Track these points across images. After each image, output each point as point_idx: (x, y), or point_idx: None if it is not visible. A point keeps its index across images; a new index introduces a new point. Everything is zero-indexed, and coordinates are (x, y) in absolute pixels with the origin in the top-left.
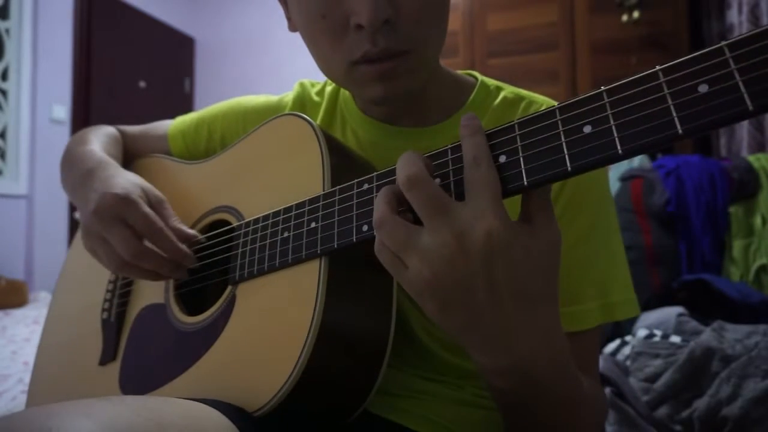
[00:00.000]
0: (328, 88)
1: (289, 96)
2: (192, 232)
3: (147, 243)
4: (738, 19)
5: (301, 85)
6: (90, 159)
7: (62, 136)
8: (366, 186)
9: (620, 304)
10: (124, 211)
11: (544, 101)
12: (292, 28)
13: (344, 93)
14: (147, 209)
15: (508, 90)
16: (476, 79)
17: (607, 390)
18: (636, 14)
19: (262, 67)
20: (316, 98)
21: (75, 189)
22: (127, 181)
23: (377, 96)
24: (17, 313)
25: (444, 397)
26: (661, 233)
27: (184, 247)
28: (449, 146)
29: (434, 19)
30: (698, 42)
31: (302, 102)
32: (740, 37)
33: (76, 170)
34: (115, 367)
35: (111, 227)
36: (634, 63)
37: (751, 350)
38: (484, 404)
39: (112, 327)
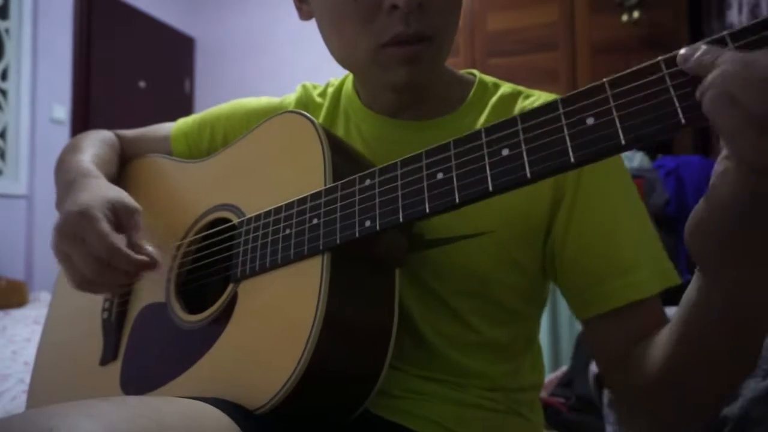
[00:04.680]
0: (330, 89)
1: (291, 97)
2: (149, 249)
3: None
4: (738, 19)
5: (304, 87)
6: (74, 171)
7: (62, 136)
8: (368, 182)
9: (671, 270)
10: (82, 229)
11: (540, 95)
12: (305, 16)
13: (347, 91)
14: (103, 226)
15: (505, 86)
16: (474, 76)
17: (607, 390)
18: (636, 14)
19: (263, 67)
20: (318, 99)
21: (58, 203)
22: (94, 195)
23: (401, 80)
24: (17, 313)
25: (446, 398)
26: (660, 234)
27: (142, 257)
28: (452, 140)
29: (454, 11)
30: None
31: (305, 103)
32: (742, 26)
33: (61, 182)
34: (116, 367)
35: (71, 245)
36: (634, 63)
37: None
38: (486, 405)
39: (113, 327)
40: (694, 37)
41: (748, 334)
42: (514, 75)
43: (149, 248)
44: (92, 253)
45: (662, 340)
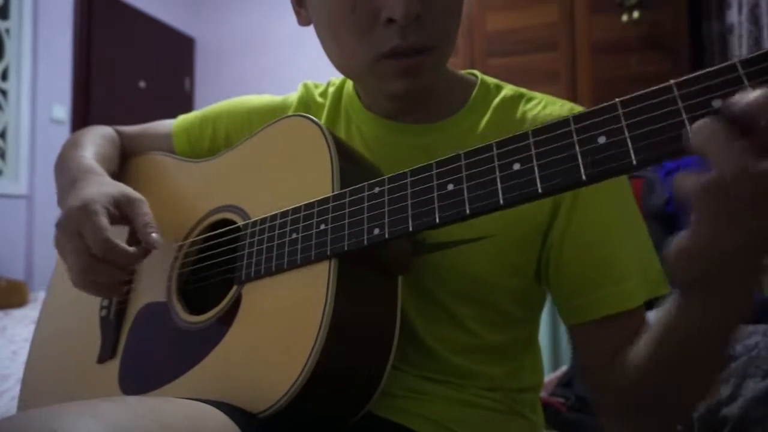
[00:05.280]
0: (331, 89)
1: (293, 96)
2: (155, 236)
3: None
4: (738, 19)
5: (305, 86)
6: (76, 168)
7: (62, 136)
8: (377, 189)
9: (660, 281)
10: (80, 224)
11: (543, 98)
12: (303, 21)
13: (348, 92)
14: (100, 220)
15: (507, 88)
16: (476, 77)
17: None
18: (636, 14)
19: (262, 67)
20: (319, 99)
21: (60, 199)
22: (97, 191)
23: (399, 91)
24: (17, 313)
25: (446, 397)
26: (660, 233)
27: (156, 243)
28: (462, 152)
29: (454, 17)
30: (698, 42)
31: (306, 103)
32: (754, 54)
33: (62, 179)
34: (114, 366)
35: (69, 240)
36: (634, 63)
37: (751, 350)
38: (485, 405)
39: (111, 324)
40: (694, 37)
41: (718, 346)
42: (514, 75)
43: (155, 235)
44: (86, 248)
45: (641, 347)
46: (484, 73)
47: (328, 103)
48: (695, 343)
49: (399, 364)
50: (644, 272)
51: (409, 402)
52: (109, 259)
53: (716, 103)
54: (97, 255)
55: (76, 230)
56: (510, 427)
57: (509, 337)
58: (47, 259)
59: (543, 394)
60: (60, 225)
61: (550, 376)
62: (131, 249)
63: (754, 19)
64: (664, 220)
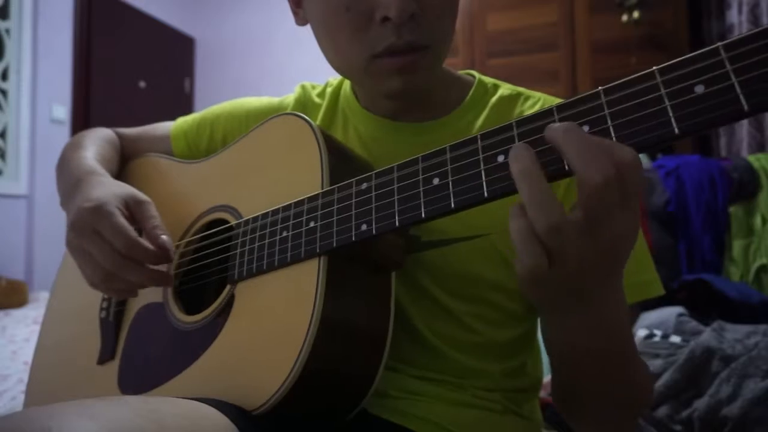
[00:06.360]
0: (329, 90)
1: (290, 98)
2: (164, 238)
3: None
4: (738, 19)
5: (303, 87)
6: (78, 169)
7: (62, 136)
8: (365, 185)
9: (650, 282)
10: (97, 224)
11: (541, 96)
12: (301, 21)
13: (345, 92)
14: (118, 220)
15: (505, 87)
16: (474, 77)
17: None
18: (636, 14)
19: (263, 67)
20: (317, 100)
21: (63, 200)
22: (106, 191)
23: (395, 89)
24: (17, 313)
25: (443, 398)
26: (661, 233)
27: (166, 244)
28: (448, 145)
29: (450, 16)
30: (698, 42)
31: (303, 104)
32: (736, 38)
33: (65, 180)
34: (113, 366)
35: (89, 241)
36: (633, 63)
37: (751, 350)
38: (483, 405)
39: (111, 326)
40: (693, 37)
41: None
42: (514, 75)
43: (165, 237)
44: (110, 245)
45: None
46: (484, 73)
47: (325, 103)
48: (567, 358)
49: (397, 364)
50: (636, 274)
51: (407, 403)
52: (131, 256)
53: (698, 89)
54: (121, 251)
55: (92, 230)
56: (509, 426)
57: (508, 335)
58: (47, 259)
59: (543, 394)
60: (74, 226)
61: (549, 376)
62: (152, 247)
63: (754, 19)
64: (664, 220)
